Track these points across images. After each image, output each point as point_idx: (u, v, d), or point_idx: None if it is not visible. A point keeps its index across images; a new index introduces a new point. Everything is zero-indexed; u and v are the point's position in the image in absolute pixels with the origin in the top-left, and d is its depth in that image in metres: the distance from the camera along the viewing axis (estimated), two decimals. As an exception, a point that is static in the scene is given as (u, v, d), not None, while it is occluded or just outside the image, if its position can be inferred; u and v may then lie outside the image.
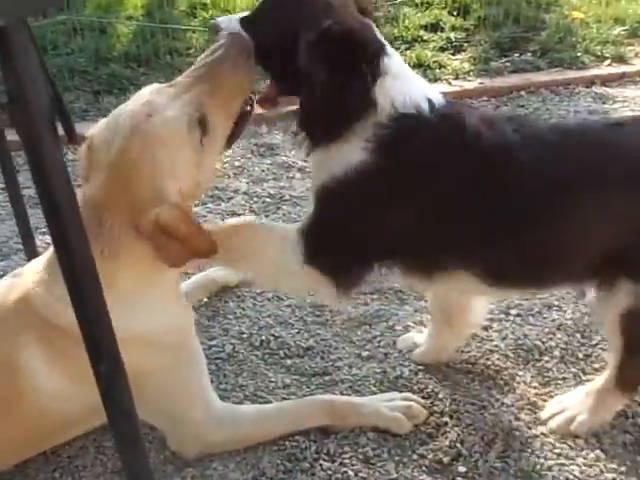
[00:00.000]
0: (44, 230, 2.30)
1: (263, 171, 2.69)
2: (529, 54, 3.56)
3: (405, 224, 1.39)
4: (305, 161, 2.72)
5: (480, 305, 1.71)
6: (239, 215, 2.37)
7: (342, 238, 1.42)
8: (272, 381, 1.70)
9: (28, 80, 0.63)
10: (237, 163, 2.74)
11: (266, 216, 2.40)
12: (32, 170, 0.68)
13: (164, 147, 1.23)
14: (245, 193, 2.54)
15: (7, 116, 0.64)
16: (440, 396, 1.63)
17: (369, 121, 1.35)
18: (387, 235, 1.42)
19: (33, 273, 1.40)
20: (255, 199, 2.50)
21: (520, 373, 1.71)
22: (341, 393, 1.66)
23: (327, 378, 1.71)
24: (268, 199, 2.50)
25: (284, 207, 2.45)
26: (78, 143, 0.64)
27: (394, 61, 1.40)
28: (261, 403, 1.63)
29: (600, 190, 1.35)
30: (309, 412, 1.56)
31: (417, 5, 4.02)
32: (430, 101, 1.37)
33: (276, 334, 1.84)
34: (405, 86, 1.38)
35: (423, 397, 1.63)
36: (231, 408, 1.57)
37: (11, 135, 1.88)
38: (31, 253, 1.94)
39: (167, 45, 3.60)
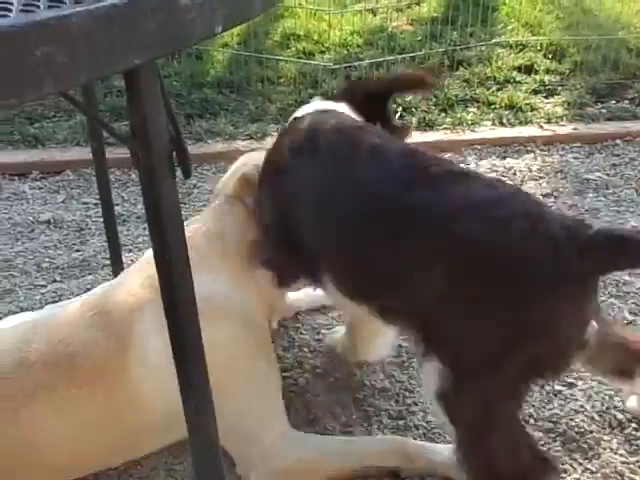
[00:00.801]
0: (130, 248, 2.38)
1: None
2: (627, 102, 3.44)
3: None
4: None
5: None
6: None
7: None
8: (343, 420, 1.68)
9: (152, 118, 0.64)
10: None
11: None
12: (146, 204, 0.69)
13: None
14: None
15: (129, 150, 0.65)
16: (518, 454, 1.56)
17: None
18: None
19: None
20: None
21: (606, 438, 1.62)
22: (414, 439, 1.61)
23: (400, 422, 1.67)
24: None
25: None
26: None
27: None
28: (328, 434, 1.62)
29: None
30: (380, 450, 1.51)
31: (511, 46, 3.97)
32: None
33: (352, 372, 1.82)
34: None
35: (500, 453, 1.57)
36: (302, 435, 1.54)
37: (108, 153, 1.97)
38: (118, 269, 1.99)
39: (259, 73, 3.69)
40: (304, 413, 1.70)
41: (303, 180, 1.34)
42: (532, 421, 1.66)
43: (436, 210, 1.15)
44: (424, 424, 1.65)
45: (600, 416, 1.67)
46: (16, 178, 2.88)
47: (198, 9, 0.60)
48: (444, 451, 1.50)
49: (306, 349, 1.91)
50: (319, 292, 1.60)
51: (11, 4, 0.52)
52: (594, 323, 1.21)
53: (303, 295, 2.02)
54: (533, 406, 1.70)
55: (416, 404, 1.72)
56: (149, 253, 1.56)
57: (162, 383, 1.34)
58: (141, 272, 1.49)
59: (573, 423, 1.65)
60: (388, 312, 1.31)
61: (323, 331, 1.97)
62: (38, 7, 0.52)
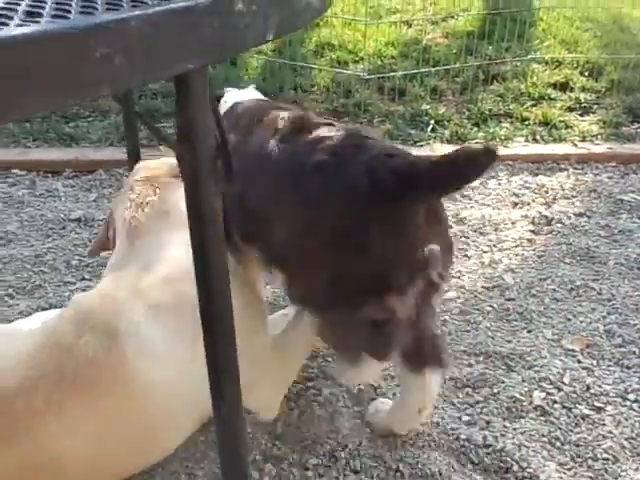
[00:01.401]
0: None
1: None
2: (664, 122, 3.40)
3: None
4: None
5: None
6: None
7: None
8: (367, 432, 1.66)
9: (199, 122, 0.64)
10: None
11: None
12: (187, 207, 0.69)
13: None
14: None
15: (175, 153, 0.65)
16: (542, 478, 1.54)
17: None
18: None
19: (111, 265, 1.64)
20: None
21: (634, 466, 1.58)
22: (435, 458, 1.59)
23: (420, 431, 1.65)
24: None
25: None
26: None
27: None
28: (351, 446, 1.61)
29: None
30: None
31: (547, 63, 3.94)
32: None
33: (374, 383, 1.80)
34: None
35: (524, 477, 1.54)
36: (277, 338, 1.68)
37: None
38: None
39: (292, 81, 3.70)
40: (327, 423, 1.68)
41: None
42: (558, 444, 1.63)
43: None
44: (446, 440, 1.63)
45: (629, 443, 1.64)
46: (50, 175, 2.91)
47: (252, 16, 0.60)
48: None
49: (330, 359, 1.90)
50: None
51: (70, 6, 0.52)
52: (434, 248, 1.32)
53: None
54: (559, 429, 1.67)
55: (439, 420, 1.69)
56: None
57: (169, 369, 1.35)
58: (110, 274, 1.57)
59: (601, 449, 1.62)
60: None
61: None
62: (96, 9, 0.52)
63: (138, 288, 1.43)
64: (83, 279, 2.27)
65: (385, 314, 1.33)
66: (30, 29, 0.43)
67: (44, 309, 2.09)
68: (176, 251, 1.49)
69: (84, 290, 2.18)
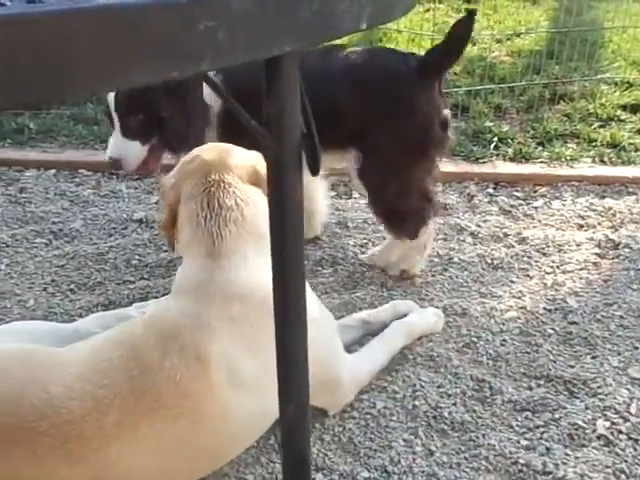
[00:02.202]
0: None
1: (434, 230, 2.63)
2: None
3: None
4: (479, 225, 2.64)
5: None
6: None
7: None
8: (418, 449, 1.62)
9: (288, 110, 0.63)
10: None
11: (432, 276, 2.34)
12: (270, 197, 0.68)
13: None
14: (413, 249, 2.49)
15: (259, 140, 0.64)
16: (606, 510, 1.46)
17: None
18: None
19: (185, 266, 1.55)
20: (422, 256, 2.45)
21: None
22: (488, 473, 1.54)
23: (476, 452, 1.60)
24: (436, 259, 2.44)
25: (451, 270, 2.38)
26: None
27: None
28: (403, 462, 1.58)
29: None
30: (398, 337, 1.93)
31: (616, 84, 3.84)
32: None
33: (431, 401, 1.76)
34: None
35: (587, 507, 1.47)
36: (354, 359, 1.79)
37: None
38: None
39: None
40: (380, 437, 1.65)
41: None
42: (624, 477, 1.55)
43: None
44: (501, 463, 1.57)
45: (701, 480, 1.55)
46: (114, 177, 2.97)
47: (349, 2, 0.59)
48: (420, 317, 2.01)
49: (384, 371, 1.86)
50: None
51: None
52: (446, 111, 2.09)
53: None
54: (625, 461, 1.59)
55: (495, 443, 1.63)
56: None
57: (248, 396, 1.33)
58: (191, 293, 1.42)
59: (670, 484, 1.54)
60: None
61: (405, 351, 1.92)
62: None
63: (232, 315, 1.37)
64: (142, 278, 2.30)
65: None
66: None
67: (104, 305, 2.13)
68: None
69: (142, 290, 2.21)
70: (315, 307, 1.56)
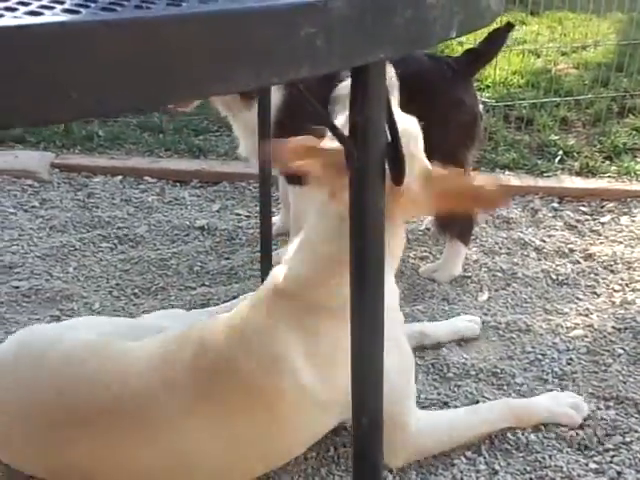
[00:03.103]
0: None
1: (497, 244, 2.59)
2: None
3: None
4: (543, 240, 2.58)
5: None
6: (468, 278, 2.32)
7: None
8: (474, 465, 1.58)
9: (374, 118, 0.62)
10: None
11: (495, 291, 2.29)
12: (352, 206, 0.67)
13: None
14: (475, 262, 2.46)
15: (345, 148, 0.64)
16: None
17: None
18: None
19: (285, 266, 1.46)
20: (485, 270, 2.41)
21: None
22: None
23: (542, 474, 1.55)
24: (499, 274, 2.39)
25: (514, 285, 2.32)
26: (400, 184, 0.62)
27: None
28: None
29: None
30: (497, 416, 1.65)
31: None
32: None
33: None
34: None
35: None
36: (434, 417, 1.64)
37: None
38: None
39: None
40: (443, 456, 1.62)
41: None
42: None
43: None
44: (572, 488, 1.52)
45: None
46: (178, 185, 3.03)
47: (441, 10, 0.58)
48: (543, 402, 1.71)
49: (446, 385, 1.83)
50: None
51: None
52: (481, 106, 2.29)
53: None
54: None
55: (562, 465, 1.58)
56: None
57: (317, 406, 1.34)
58: (268, 302, 1.43)
59: None
60: None
61: (467, 366, 1.88)
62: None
63: (317, 329, 1.38)
64: (203, 285, 2.33)
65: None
66: (241, 5, 0.43)
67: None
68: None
69: (204, 296, 2.24)
70: (400, 337, 1.53)
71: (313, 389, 1.35)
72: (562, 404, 1.70)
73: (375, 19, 0.51)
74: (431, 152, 2.07)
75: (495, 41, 2.19)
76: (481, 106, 2.30)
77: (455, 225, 2.30)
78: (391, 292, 1.57)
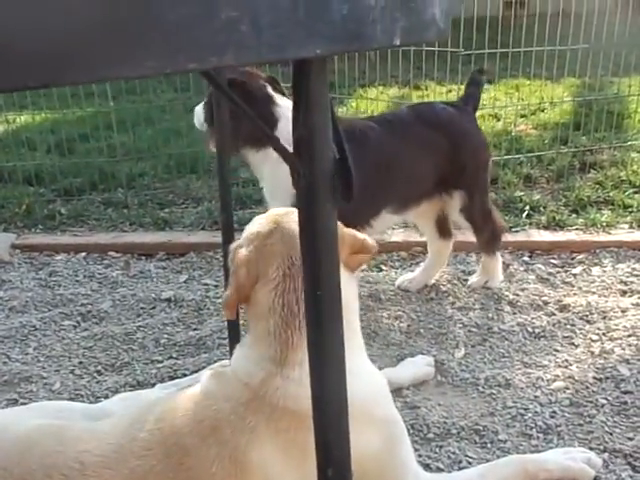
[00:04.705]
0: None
1: (470, 299, 2.55)
2: None
3: None
4: (516, 294, 2.54)
5: None
6: (444, 335, 2.25)
7: None
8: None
9: (319, 130, 0.58)
10: (443, 289, 2.63)
11: (472, 347, 2.23)
12: (301, 228, 0.62)
13: None
14: (449, 318, 2.40)
15: (287, 163, 0.59)
16: None
17: None
18: None
19: (248, 359, 1.34)
20: (460, 326, 2.35)
21: None
22: None
23: None
24: (474, 329, 2.33)
25: (491, 339, 2.27)
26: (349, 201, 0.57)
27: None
28: None
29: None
30: (507, 474, 1.56)
31: (647, 150, 3.80)
32: None
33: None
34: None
35: None
36: (437, 478, 1.55)
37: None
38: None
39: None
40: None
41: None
42: None
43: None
44: None
45: None
46: (143, 258, 2.97)
47: (380, 12, 0.55)
48: (555, 457, 1.63)
49: (427, 446, 1.74)
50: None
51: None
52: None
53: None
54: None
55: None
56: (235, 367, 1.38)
57: None
58: (244, 390, 1.30)
59: None
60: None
61: (447, 424, 1.79)
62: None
63: (278, 428, 1.27)
64: (170, 357, 2.23)
65: None
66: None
67: (131, 386, 2.05)
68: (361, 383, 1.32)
69: (171, 368, 2.14)
70: (384, 408, 1.41)
71: None
72: (577, 459, 1.62)
73: (309, 10, 0.48)
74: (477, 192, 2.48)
75: (475, 82, 2.58)
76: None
77: (497, 241, 2.58)
78: (370, 374, 1.45)
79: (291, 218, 1.37)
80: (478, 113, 4.58)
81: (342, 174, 0.60)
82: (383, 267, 2.83)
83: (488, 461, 1.67)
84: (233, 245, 1.45)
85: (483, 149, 2.53)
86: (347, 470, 0.71)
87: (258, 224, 1.42)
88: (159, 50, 0.39)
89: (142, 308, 2.56)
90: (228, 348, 2.04)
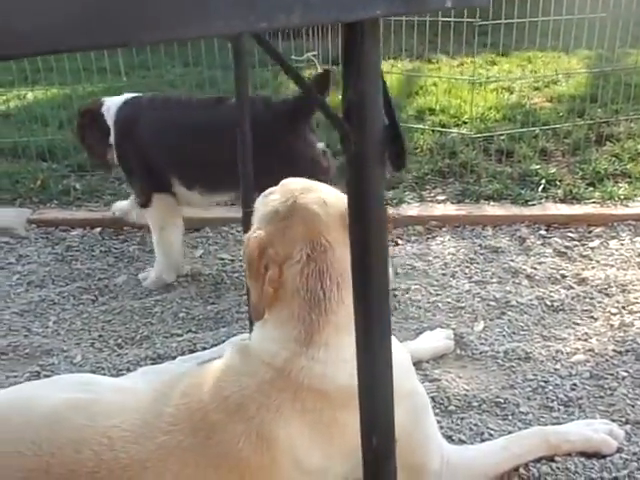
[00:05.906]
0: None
1: (487, 273, 2.54)
2: None
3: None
4: (534, 268, 2.54)
5: None
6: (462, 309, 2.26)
7: None
8: None
9: (370, 96, 0.57)
10: (460, 263, 2.62)
11: (490, 320, 2.23)
12: (349, 194, 0.61)
13: None
14: (467, 292, 2.40)
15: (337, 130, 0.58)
16: None
17: None
18: None
19: (271, 339, 1.33)
20: (478, 299, 2.35)
21: None
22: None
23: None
24: (492, 302, 2.33)
25: (510, 313, 2.26)
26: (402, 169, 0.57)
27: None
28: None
29: None
30: (529, 446, 1.58)
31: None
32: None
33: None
34: None
35: None
36: (460, 451, 1.54)
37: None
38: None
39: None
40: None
41: None
42: None
43: None
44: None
45: None
46: (159, 232, 2.96)
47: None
48: (578, 429, 1.64)
49: (449, 417, 1.74)
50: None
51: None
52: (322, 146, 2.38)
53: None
54: None
55: (581, 494, 1.50)
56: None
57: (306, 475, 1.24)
58: (269, 370, 1.28)
59: None
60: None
61: (468, 396, 1.80)
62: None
63: (304, 408, 1.24)
64: (189, 331, 2.24)
65: None
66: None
67: (151, 359, 2.07)
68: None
69: (190, 342, 2.15)
70: (409, 381, 1.40)
71: (306, 476, 1.25)
72: (599, 431, 1.63)
73: (369, -28, 0.47)
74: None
75: (318, 86, 2.13)
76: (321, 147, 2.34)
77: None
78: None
79: (309, 197, 1.32)
80: (492, 86, 4.60)
81: (392, 141, 0.59)
82: (399, 241, 2.82)
83: (510, 433, 1.68)
84: (248, 235, 1.35)
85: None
86: (391, 440, 0.71)
87: (273, 203, 1.34)
88: (231, 9, 0.38)
89: (159, 282, 2.57)
90: (247, 322, 2.05)
